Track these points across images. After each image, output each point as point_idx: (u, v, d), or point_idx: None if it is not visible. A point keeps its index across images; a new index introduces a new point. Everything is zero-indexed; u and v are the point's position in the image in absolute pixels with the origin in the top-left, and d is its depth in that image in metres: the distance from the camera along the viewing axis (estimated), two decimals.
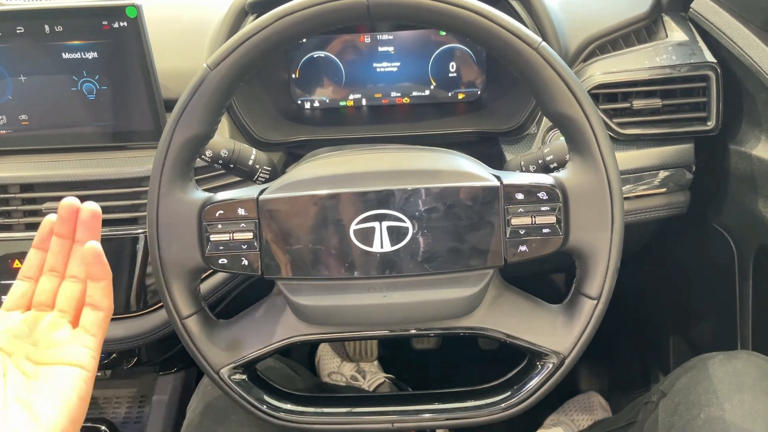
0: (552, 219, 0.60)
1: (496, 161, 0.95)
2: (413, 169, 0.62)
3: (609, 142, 0.59)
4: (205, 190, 0.65)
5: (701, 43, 0.90)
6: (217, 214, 0.61)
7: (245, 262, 0.61)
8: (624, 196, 0.89)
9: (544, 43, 0.57)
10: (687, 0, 0.94)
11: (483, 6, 0.56)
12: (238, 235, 0.61)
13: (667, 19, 0.95)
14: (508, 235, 0.60)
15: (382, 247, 0.60)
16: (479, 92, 1.01)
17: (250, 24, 0.58)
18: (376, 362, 1.49)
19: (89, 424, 1.06)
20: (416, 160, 0.64)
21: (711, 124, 0.88)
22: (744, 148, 0.87)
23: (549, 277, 1.50)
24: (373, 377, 1.45)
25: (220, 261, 0.61)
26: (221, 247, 0.61)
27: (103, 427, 1.07)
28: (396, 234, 0.60)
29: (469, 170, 0.62)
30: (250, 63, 0.59)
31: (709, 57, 0.88)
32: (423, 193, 0.60)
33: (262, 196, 0.61)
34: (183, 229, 0.61)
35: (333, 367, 1.49)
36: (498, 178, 0.61)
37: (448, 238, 0.60)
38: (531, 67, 0.58)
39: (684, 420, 0.68)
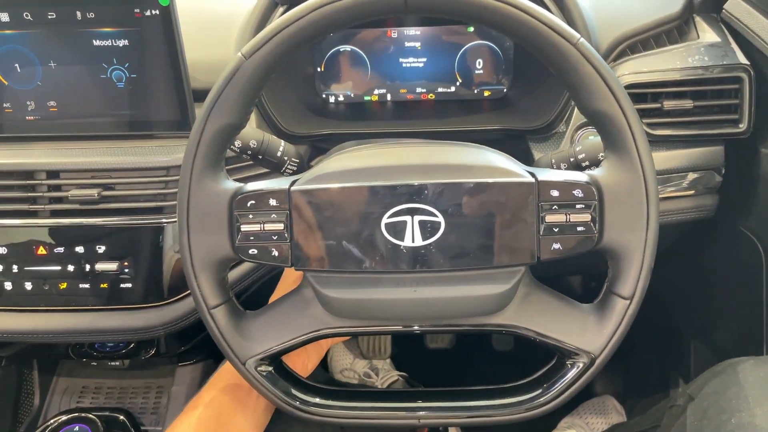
0: (587, 217, 0.59)
1: (523, 159, 0.94)
2: (446, 164, 0.61)
3: (646, 140, 0.58)
4: (234, 180, 0.65)
5: (734, 45, 0.89)
6: (248, 205, 0.60)
7: (275, 253, 0.61)
8: None
9: (582, 39, 0.56)
10: (720, 1, 0.93)
11: (522, 1, 0.56)
12: (268, 226, 0.60)
13: (698, 19, 0.94)
14: (541, 233, 0.59)
15: (413, 241, 0.59)
16: (505, 90, 1.01)
17: (286, 14, 0.57)
18: (389, 360, 1.49)
19: (107, 413, 1.06)
20: (449, 155, 0.63)
21: (742, 126, 0.87)
22: None
23: (567, 278, 1.49)
24: (386, 375, 1.44)
25: (250, 251, 0.61)
26: (252, 238, 0.61)
27: (121, 417, 1.07)
28: (428, 228, 0.59)
29: (502, 166, 0.61)
30: (285, 53, 0.58)
31: (742, 59, 0.87)
32: (456, 188, 0.59)
33: (293, 187, 0.60)
34: (213, 218, 0.61)
35: (345, 364, 1.49)
36: (532, 174, 0.60)
37: (480, 233, 0.59)
38: (568, 63, 0.57)
39: (714, 424, 0.67)
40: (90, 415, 1.04)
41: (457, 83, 1.01)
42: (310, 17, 0.56)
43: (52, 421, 1.04)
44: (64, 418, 1.04)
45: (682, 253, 1.11)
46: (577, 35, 0.56)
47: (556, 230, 0.59)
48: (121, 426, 1.06)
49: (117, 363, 1.14)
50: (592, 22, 0.90)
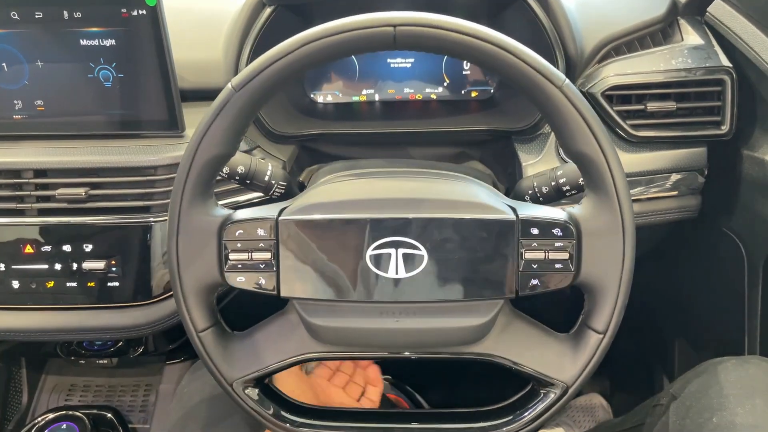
0: (565, 255, 0.61)
1: (509, 161, 0.95)
2: (431, 198, 0.63)
3: (626, 183, 0.60)
4: (226, 201, 0.65)
5: (717, 47, 0.90)
6: (236, 234, 0.62)
7: (262, 281, 0.62)
8: (635, 198, 0.89)
9: (567, 81, 0.57)
10: (703, 4, 0.94)
11: (509, 41, 0.56)
12: (256, 255, 0.62)
13: (683, 22, 0.95)
14: (521, 268, 0.61)
15: (396, 273, 0.61)
16: (492, 91, 1.01)
17: (277, 47, 0.58)
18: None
19: (95, 411, 1.06)
20: (434, 189, 0.65)
21: (725, 128, 0.88)
22: (757, 153, 0.87)
23: (556, 299, 1.49)
24: None
25: (237, 279, 0.62)
26: (239, 266, 0.62)
27: (108, 415, 1.07)
28: (411, 261, 0.61)
29: (486, 202, 0.63)
30: (275, 86, 0.59)
31: (725, 61, 0.88)
32: (439, 223, 0.61)
33: (281, 217, 0.62)
34: (202, 246, 0.62)
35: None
36: (514, 210, 0.62)
37: (461, 268, 0.61)
38: (554, 104, 0.58)
39: (696, 423, 0.68)
40: (77, 413, 1.04)
41: (445, 84, 1.01)
42: (302, 51, 0.57)
43: (39, 419, 1.05)
44: (51, 416, 1.04)
45: (666, 254, 1.12)
46: (563, 77, 0.57)
47: (535, 266, 0.61)
48: (109, 424, 1.06)
49: (105, 361, 1.14)
50: (577, 25, 0.91)
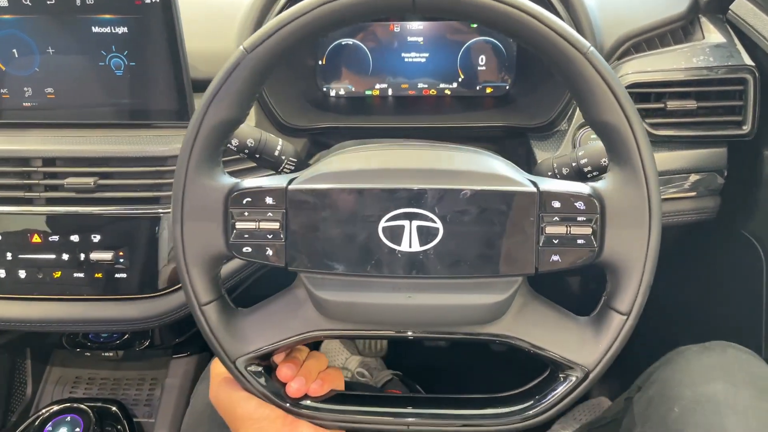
0: (588, 230, 0.58)
1: (524, 158, 0.94)
2: (447, 169, 0.60)
3: (652, 155, 0.57)
4: (231, 174, 0.64)
5: (739, 46, 0.89)
6: (244, 202, 0.60)
7: (270, 252, 0.60)
8: None
9: (593, 49, 0.55)
10: (725, 1, 0.92)
11: (532, 6, 0.55)
12: (264, 225, 0.60)
13: (704, 20, 0.93)
14: (541, 244, 0.58)
15: (410, 246, 0.59)
16: (507, 87, 1.00)
17: (292, 8, 0.56)
18: (381, 359, 1.48)
19: (100, 404, 1.06)
20: (451, 160, 0.62)
21: (746, 128, 0.86)
22: None
23: (570, 284, 1.48)
24: (380, 374, 1.44)
25: (244, 249, 0.60)
26: (246, 236, 0.60)
27: (113, 408, 1.06)
28: (425, 234, 0.58)
29: (504, 174, 0.60)
30: (288, 48, 0.57)
31: (747, 60, 0.87)
32: (456, 195, 0.58)
33: (291, 186, 0.60)
34: (208, 214, 0.60)
35: (339, 363, 1.49)
36: (534, 183, 0.60)
37: (478, 242, 0.59)
38: (577, 72, 0.56)
39: (659, 413, 0.68)
40: (82, 406, 1.03)
41: (459, 79, 1.00)
42: (316, 13, 0.55)
43: (43, 411, 1.04)
44: (55, 408, 1.03)
45: (681, 256, 1.10)
46: (588, 44, 0.55)
47: (555, 242, 0.58)
48: (114, 417, 1.06)
49: (111, 354, 1.14)
50: (597, 21, 0.90)
